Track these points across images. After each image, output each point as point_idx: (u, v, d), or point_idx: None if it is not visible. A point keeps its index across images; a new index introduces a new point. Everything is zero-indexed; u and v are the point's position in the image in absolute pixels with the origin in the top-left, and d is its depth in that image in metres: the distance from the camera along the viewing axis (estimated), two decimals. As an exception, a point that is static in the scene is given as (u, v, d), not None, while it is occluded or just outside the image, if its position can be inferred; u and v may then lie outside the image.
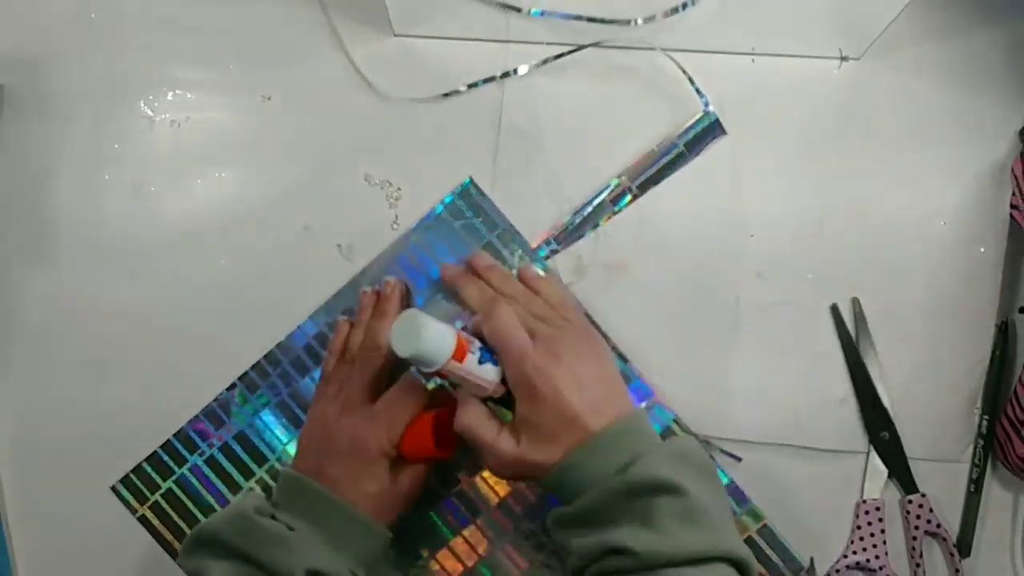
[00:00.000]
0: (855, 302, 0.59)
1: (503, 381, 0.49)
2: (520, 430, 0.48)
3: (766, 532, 0.58)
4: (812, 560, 0.58)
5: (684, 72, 0.59)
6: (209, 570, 0.48)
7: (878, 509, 0.58)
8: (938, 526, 0.58)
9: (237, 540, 0.48)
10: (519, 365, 0.48)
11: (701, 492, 0.45)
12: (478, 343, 0.49)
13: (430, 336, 0.46)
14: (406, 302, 0.59)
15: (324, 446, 0.53)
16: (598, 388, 0.48)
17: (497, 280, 0.56)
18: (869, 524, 0.58)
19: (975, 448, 0.59)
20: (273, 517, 0.50)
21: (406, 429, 0.52)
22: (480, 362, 0.48)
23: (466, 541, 0.59)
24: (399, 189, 0.60)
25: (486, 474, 0.59)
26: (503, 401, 0.50)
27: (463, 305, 0.58)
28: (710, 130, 0.60)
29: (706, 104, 0.59)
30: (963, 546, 0.58)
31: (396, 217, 0.60)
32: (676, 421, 0.58)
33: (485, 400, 0.50)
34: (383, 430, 0.52)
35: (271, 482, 0.60)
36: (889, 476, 0.58)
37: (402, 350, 0.46)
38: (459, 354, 0.47)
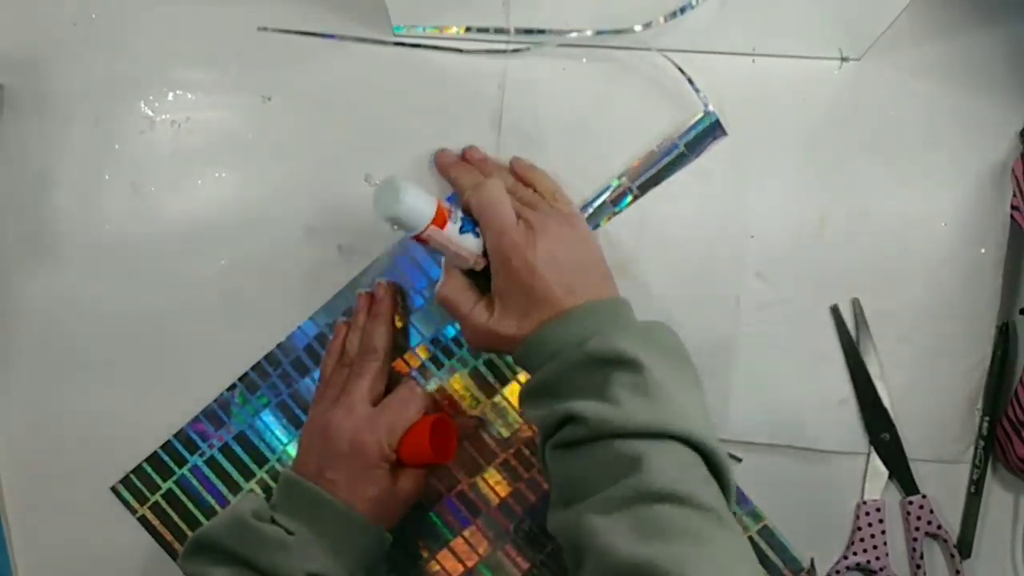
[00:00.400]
0: (855, 302, 0.59)
1: (485, 255, 0.50)
2: (495, 303, 0.49)
3: (766, 532, 0.58)
4: (812, 561, 0.58)
5: (683, 73, 0.59)
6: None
7: (879, 510, 0.58)
8: (939, 527, 0.58)
9: (237, 545, 0.48)
10: (499, 238, 0.49)
11: (661, 370, 0.44)
12: (461, 214, 0.50)
13: (410, 199, 0.47)
14: (400, 304, 0.59)
15: (324, 449, 0.52)
16: (576, 270, 0.49)
17: (489, 169, 0.57)
18: (870, 525, 0.58)
19: (976, 449, 0.58)
20: (272, 520, 0.50)
21: (405, 434, 0.52)
22: (461, 231, 0.49)
23: (466, 541, 0.59)
24: (399, 189, 0.60)
25: (486, 474, 0.59)
26: (486, 275, 0.51)
27: (456, 188, 0.58)
28: (710, 130, 0.60)
29: (706, 105, 0.59)
30: (964, 547, 0.58)
31: (396, 217, 0.60)
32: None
33: (468, 274, 0.51)
34: (383, 434, 0.52)
35: (271, 483, 0.60)
36: (890, 477, 0.58)
37: (382, 212, 0.47)
38: (439, 220, 0.48)
